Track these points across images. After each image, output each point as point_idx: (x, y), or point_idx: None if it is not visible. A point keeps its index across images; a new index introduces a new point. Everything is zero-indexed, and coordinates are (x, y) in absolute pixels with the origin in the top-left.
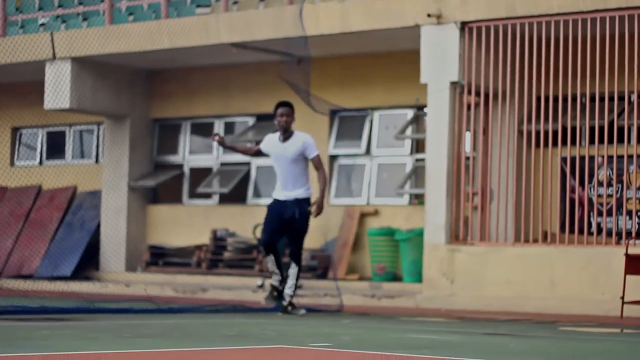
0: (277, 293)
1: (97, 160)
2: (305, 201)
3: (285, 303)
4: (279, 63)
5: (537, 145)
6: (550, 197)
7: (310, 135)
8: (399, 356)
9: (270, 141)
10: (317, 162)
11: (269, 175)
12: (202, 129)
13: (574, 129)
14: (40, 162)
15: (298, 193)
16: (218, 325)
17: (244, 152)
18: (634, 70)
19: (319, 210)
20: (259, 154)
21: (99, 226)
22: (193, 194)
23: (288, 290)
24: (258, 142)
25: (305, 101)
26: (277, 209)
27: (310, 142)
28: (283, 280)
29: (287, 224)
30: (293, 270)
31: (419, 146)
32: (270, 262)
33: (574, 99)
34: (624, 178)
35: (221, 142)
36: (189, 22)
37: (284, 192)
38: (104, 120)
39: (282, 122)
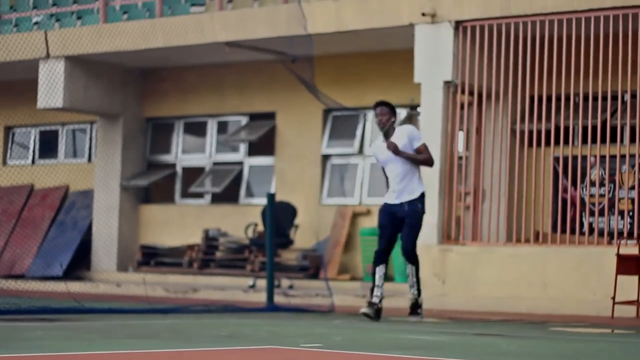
0: (376, 311)
1: (89, 160)
2: (419, 199)
3: (414, 302)
4: (286, 60)
5: (530, 144)
6: (543, 196)
7: (412, 126)
8: (391, 357)
9: (378, 148)
10: (423, 150)
11: (261, 174)
12: (196, 129)
13: (566, 129)
14: (33, 161)
15: (410, 195)
16: (210, 326)
17: None
18: (628, 70)
19: (392, 147)
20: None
21: (90, 225)
22: (185, 194)
23: (413, 290)
24: (251, 142)
25: (318, 98)
26: (389, 213)
27: (414, 132)
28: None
29: (399, 225)
30: (410, 269)
31: None
32: (379, 274)
33: (567, 99)
34: (616, 178)
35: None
36: (184, 21)
37: (395, 195)
38: (96, 119)
39: (377, 121)
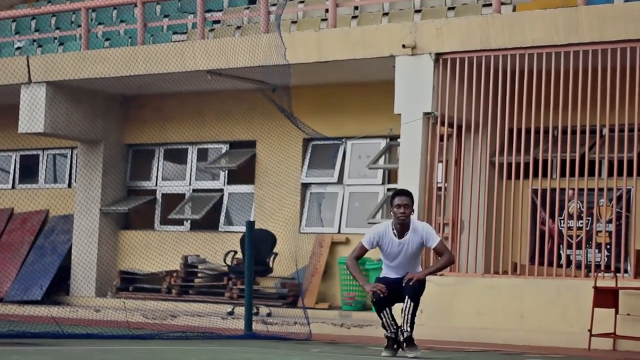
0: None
1: (69, 185)
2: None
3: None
4: (266, 89)
5: (509, 177)
6: (521, 228)
7: (425, 223)
8: None
9: (383, 237)
10: (441, 248)
11: (241, 202)
12: (176, 156)
13: (545, 162)
14: (13, 186)
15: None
16: (188, 353)
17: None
18: (606, 104)
19: (414, 281)
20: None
21: (70, 250)
22: (165, 220)
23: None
24: (231, 170)
25: (298, 127)
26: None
27: (430, 231)
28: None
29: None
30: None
31: (391, 176)
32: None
33: (546, 132)
34: (594, 211)
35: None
36: (165, 49)
37: (395, 275)
38: (77, 145)
39: (399, 214)
